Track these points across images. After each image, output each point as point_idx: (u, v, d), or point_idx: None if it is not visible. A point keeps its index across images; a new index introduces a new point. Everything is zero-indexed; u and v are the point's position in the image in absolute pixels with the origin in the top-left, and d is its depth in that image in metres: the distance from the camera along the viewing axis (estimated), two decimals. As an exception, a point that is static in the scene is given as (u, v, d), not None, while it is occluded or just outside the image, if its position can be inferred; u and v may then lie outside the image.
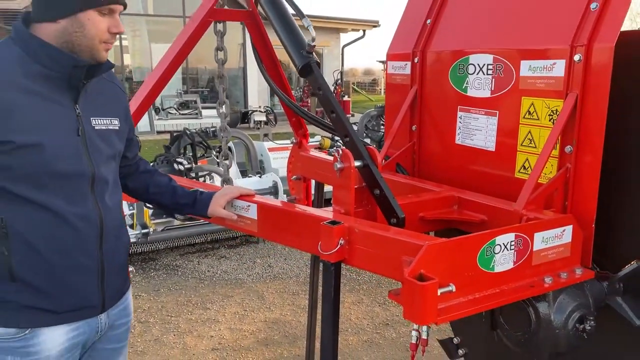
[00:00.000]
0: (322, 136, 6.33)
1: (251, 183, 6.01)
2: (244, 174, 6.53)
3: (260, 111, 15.27)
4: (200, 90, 18.24)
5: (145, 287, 4.48)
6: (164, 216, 5.17)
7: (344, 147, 1.71)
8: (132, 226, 4.88)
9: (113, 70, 1.64)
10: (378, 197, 1.69)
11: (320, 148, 5.63)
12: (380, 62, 37.74)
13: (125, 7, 1.49)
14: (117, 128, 1.59)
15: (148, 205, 4.99)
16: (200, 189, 1.87)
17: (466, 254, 1.42)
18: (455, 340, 2.50)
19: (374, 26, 19.94)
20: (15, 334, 1.45)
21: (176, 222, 5.17)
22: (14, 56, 1.41)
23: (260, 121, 14.80)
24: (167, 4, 16.72)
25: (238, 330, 3.71)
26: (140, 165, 1.82)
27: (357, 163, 1.69)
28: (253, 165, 7.21)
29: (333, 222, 1.56)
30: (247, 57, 17.59)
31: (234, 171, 6.00)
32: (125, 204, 5.10)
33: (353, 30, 20.05)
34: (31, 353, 1.47)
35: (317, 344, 3.33)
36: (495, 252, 1.47)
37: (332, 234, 1.54)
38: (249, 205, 1.85)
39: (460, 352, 2.48)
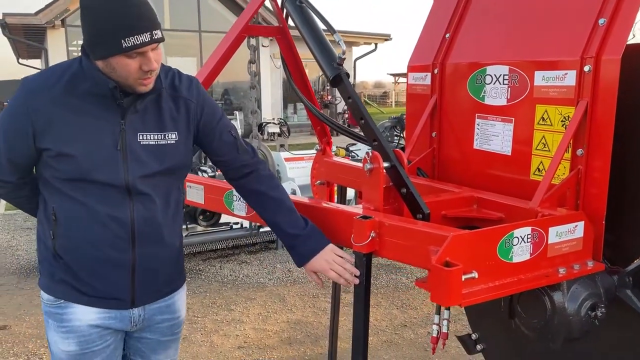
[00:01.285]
0: (337, 146, 6.50)
1: (270, 191, 6.18)
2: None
3: (274, 123, 15.50)
4: (217, 102, 18.53)
5: (171, 290, 4.65)
6: (187, 222, 5.37)
7: (373, 150, 1.87)
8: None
9: (178, 83, 1.68)
10: (405, 195, 1.84)
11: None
12: (391, 75, 37.98)
13: (159, 41, 1.49)
14: (173, 142, 1.65)
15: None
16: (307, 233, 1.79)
17: (487, 245, 1.57)
18: (474, 336, 2.62)
19: (386, 39, 20.18)
20: (54, 300, 1.68)
21: (199, 228, 5.37)
22: (71, 72, 1.57)
23: (274, 133, 15.03)
24: (183, 19, 17.10)
25: (262, 330, 3.86)
26: (253, 174, 1.82)
27: (386, 164, 1.85)
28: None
29: (365, 217, 1.72)
30: (261, 76, 17.98)
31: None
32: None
33: (365, 43, 20.30)
34: (64, 320, 1.68)
35: (340, 344, 3.48)
36: (514, 244, 1.61)
37: (364, 227, 1.70)
38: (284, 203, 2.01)
39: (479, 347, 2.60)
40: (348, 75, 2.08)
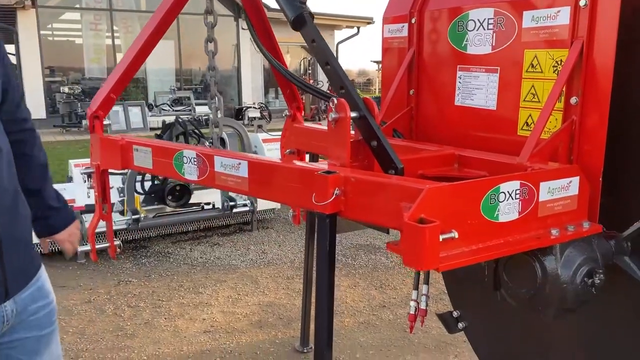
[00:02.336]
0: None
1: (245, 171, 5.91)
2: (237, 163, 6.43)
3: (254, 107, 15.20)
4: (193, 87, 18.15)
5: (136, 273, 4.38)
6: (156, 203, 5.08)
7: (339, 98, 1.63)
8: (122, 212, 4.78)
9: None
10: (375, 148, 1.61)
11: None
12: (374, 62, 37.72)
13: None
14: None
15: (139, 191, 4.90)
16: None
17: (469, 201, 1.35)
18: (455, 314, 2.42)
19: (369, 23, 19.88)
20: None
21: (168, 209, 5.08)
22: None
23: (255, 117, 14.73)
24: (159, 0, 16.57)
25: (231, 314, 3.62)
26: (30, 134, 1.65)
27: (354, 114, 1.61)
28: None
29: (327, 172, 1.48)
30: (241, 58, 17.63)
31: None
32: (115, 191, 5.02)
33: (347, 27, 19.99)
34: None
35: (313, 326, 3.25)
36: (500, 200, 1.39)
37: (327, 183, 1.45)
38: (239, 163, 1.77)
39: (460, 325, 2.41)
40: (312, 16, 1.83)
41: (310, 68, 17.98)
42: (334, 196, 1.46)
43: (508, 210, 1.42)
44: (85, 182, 4.90)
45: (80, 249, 4.41)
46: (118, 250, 4.26)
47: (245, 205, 5.34)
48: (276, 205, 5.65)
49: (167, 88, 16.65)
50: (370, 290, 3.98)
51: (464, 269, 2.37)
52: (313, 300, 3.22)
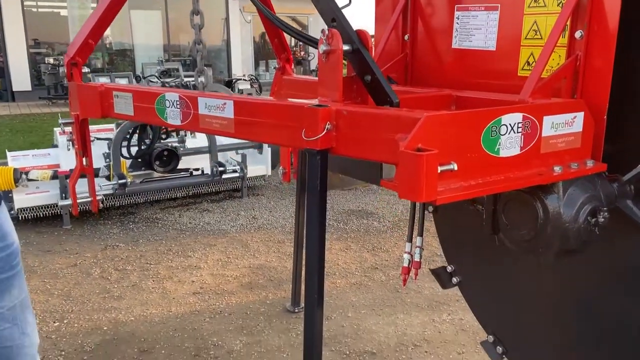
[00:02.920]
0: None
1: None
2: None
3: (244, 79, 14.96)
4: (182, 59, 17.81)
5: (124, 238, 4.29)
6: (143, 168, 4.97)
7: (330, 28, 1.52)
8: (108, 177, 4.67)
9: None
10: (369, 83, 1.51)
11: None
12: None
13: None
14: None
15: (125, 155, 4.78)
16: None
17: (470, 132, 1.26)
18: (449, 269, 2.37)
19: (360, -7, 19.51)
20: None
21: (156, 175, 4.97)
22: None
23: (245, 89, 14.53)
24: (146, -28, 16.15)
25: (221, 276, 3.55)
26: None
27: (346, 47, 1.50)
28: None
29: (318, 105, 1.38)
30: (231, 30, 17.28)
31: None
32: (101, 156, 4.90)
33: (339, -3, 19.58)
34: None
35: (304, 286, 3.19)
36: (501, 133, 1.31)
37: (318, 117, 1.37)
38: (224, 103, 1.67)
39: (454, 280, 2.36)
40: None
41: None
42: (325, 131, 1.37)
43: (509, 145, 1.33)
44: (69, 149, 4.81)
45: (62, 202, 4.30)
46: (100, 205, 4.18)
47: (235, 171, 5.25)
48: (267, 171, 5.56)
49: (155, 59, 16.32)
50: (362, 253, 3.92)
51: (459, 222, 2.32)
52: (304, 260, 3.16)
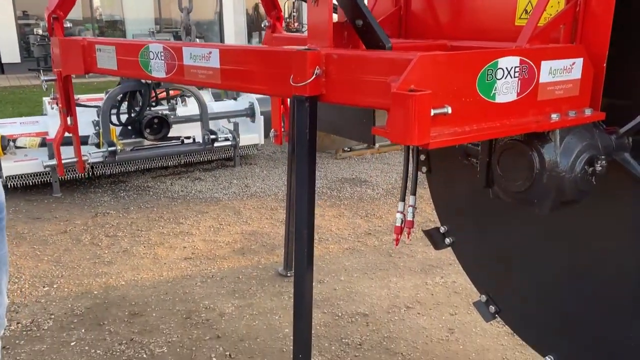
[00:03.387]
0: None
1: (226, 106, 5.71)
2: (217, 97, 6.22)
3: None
4: (174, 30, 17.49)
5: (114, 205, 4.24)
6: (133, 136, 4.89)
7: (320, -30, 1.45)
8: (98, 145, 4.59)
9: None
10: (360, 28, 1.44)
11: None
12: None
13: None
14: None
15: (114, 122, 4.69)
16: None
17: (465, 74, 1.20)
18: (442, 229, 2.34)
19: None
20: None
21: (146, 142, 4.90)
22: None
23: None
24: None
25: (213, 242, 3.52)
26: None
27: (335, -10, 1.44)
28: (228, 93, 6.89)
29: (307, 49, 1.32)
30: (223, 3, 17.00)
31: (208, 96, 5.68)
32: (90, 123, 4.81)
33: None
34: None
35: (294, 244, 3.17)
36: (498, 77, 1.25)
37: (306, 61, 1.31)
38: (209, 52, 1.60)
39: (448, 241, 2.33)
40: None
41: (295, 12, 17.36)
42: (314, 76, 1.32)
43: (506, 90, 1.28)
44: (52, 108, 4.71)
45: (48, 162, 4.22)
46: (87, 166, 4.12)
47: (227, 139, 5.18)
48: (259, 140, 5.49)
49: (146, 30, 16.01)
50: (355, 219, 3.90)
51: (453, 182, 2.27)
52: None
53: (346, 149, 5.80)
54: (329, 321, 2.56)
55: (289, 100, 2.94)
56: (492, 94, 1.26)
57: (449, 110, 1.16)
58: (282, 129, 2.98)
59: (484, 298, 2.23)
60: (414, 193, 2.20)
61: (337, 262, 3.20)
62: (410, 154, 2.27)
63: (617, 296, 1.69)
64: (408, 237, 2.26)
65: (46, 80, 2.26)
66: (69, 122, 2.27)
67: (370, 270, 3.11)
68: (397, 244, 2.34)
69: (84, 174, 4.75)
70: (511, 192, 1.49)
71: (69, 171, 4.54)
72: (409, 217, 2.19)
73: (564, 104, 1.39)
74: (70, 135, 2.35)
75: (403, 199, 2.22)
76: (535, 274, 1.99)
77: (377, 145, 5.91)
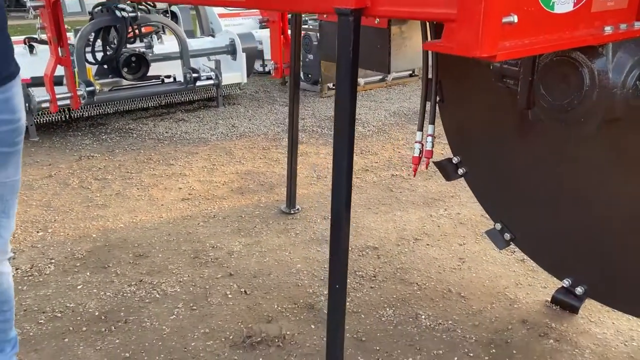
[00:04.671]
0: None
1: (204, 43, 5.44)
2: (190, 34, 5.92)
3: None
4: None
5: (98, 148, 4.06)
6: (110, 76, 4.63)
7: None
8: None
9: None
10: None
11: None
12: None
13: None
14: None
15: (90, 61, 4.42)
16: None
17: (528, -19, 1.12)
18: (455, 160, 2.31)
19: None
20: None
21: (125, 82, 4.65)
22: None
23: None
24: None
25: (209, 182, 3.43)
26: None
27: None
28: (205, 29, 6.57)
29: (352, -45, 1.20)
30: None
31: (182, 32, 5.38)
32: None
33: None
34: None
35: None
36: (557, -15, 1.17)
37: (351, -32, 1.19)
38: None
39: (460, 171, 2.31)
40: None
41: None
42: (359, -15, 1.21)
43: (564, 0, 1.21)
44: (29, 54, 4.41)
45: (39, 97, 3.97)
46: (81, 101, 3.91)
47: (209, 78, 4.97)
48: (242, 79, 5.29)
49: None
50: (350, 156, 3.84)
51: (468, 111, 2.22)
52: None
53: (331, 86, 5.67)
54: (339, 255, 2.55)
55: (289, 30, 2.80)
56: (551, 3, 1.19)
57: (515, 19, 1.08)
58: (282, 62, 2.85)
59: (498, 226, 2.24)
60: (432, 122, 2.15)
61: (339, 198, 3.16)
62: (426, 82, 2.20)
63: (631, 219, 1.70)
64: (426, 167, 2.23)
65: (33, 7, 2.05)
66: (60, 53, 2.09)
67: (374, 205, 3.09)
68: (415, 174, 2.31)
69: (60, 117, 4.51)
70: (556, 111, 1.44)
71: (43, 114, 4.30)
72: (428, 147, 2.15)
73: (614, 17, 1.33)
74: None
75: (421, 129, 2.16)
76: (551, 200, 1.99)
77: (362, 82, 5.80)
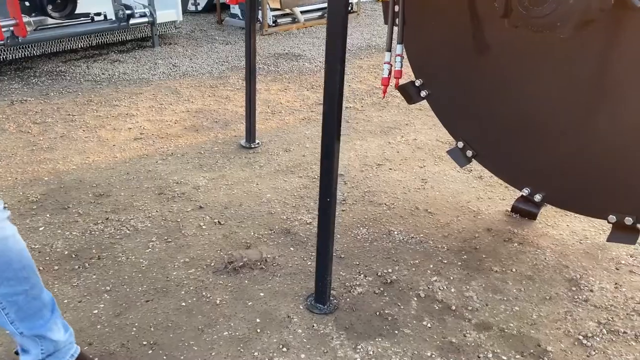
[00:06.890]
0: None
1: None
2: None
3: None
4: None
5: (30, 92, 3.77)
6: (34, 14, 4.24)
7: None
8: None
9: None
10: None
11: None
12: None
13: None
14: None
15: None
16: None
17: None
18: (418, 83, 2.36)
19: None
20: None
21: (50, 21, 4.28)
22: None
23: None
24: None
25: (159, 121, 3.30)
26: None
27: None
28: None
29: None
30: None
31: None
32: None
33: None
34: None
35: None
36: None
37: None
38: None
39: (423, 94, 2.37)
40: None
41: None
42: None
43: None
44: None
45: None
46: (29, 29, 3.58)
47: (143, 15, 4.68)
48: (177, 17, 5.03)
49: None
50: (302, 91, 3.82)
51: (431, 34, 2.25)
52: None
53: (271, 23, 5.52)
54: (307, 184, 2.58)
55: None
56: None
57: None
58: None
59: (460, 144, 2.35)
60: (400, 42, 2.17)
61: (297, 132, 3.17)
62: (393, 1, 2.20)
63: (590, 130, 1.83)
64: (396, 87, 2.27)
65: None
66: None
67: (333, 135, 3.11)
68: (384, 95, 2.34)
69: (-21, 61, 4.11)
70: (535, 18, 1.50)
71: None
72: (397, 67, 2.18)
73: None
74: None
75: (389, 49, 2.18)
76: (511, 115, 2.10)
77: (302, 19, 5.69)
